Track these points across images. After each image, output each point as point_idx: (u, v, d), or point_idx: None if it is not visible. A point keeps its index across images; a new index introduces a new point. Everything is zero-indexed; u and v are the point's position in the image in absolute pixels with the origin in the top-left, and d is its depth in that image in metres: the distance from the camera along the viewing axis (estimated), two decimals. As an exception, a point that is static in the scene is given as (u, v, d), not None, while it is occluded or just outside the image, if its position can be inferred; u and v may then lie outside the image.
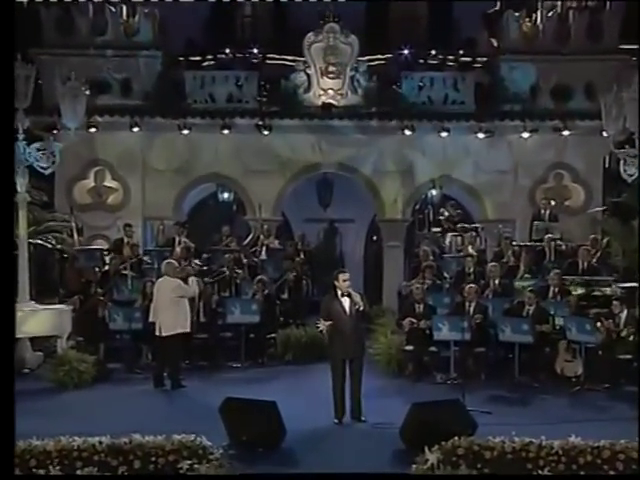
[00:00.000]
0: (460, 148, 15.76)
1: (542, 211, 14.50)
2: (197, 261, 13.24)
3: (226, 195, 17.13)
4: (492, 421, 7.89)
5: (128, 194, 15.81)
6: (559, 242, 13.31)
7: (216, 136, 15.50)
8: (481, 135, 15.45)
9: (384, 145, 15.88)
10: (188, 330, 10.28)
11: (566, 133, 15.35)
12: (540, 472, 6.06)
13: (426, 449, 6.27)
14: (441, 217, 14.93)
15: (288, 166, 15.95)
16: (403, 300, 12.78)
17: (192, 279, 10.55)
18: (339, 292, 8.36)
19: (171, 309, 10.07)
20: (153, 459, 6.08)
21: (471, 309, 10.86)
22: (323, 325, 8.26)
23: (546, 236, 13.42)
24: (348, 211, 17.55)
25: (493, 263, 12.53)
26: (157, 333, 10.13)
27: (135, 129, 15.33)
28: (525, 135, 15.46)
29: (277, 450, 7.25)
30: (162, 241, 14.57)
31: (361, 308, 8.23)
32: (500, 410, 8.84)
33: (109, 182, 15.87)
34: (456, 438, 6.32)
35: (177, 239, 14.02)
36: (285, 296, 13.27)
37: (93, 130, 15.02)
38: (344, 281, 8.35)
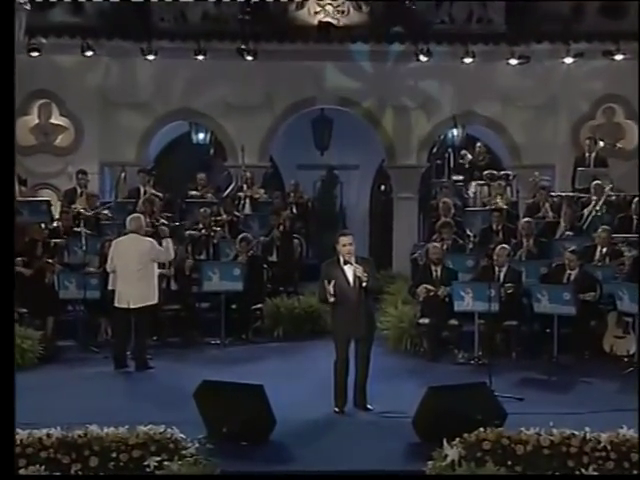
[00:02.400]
0: (487, 77, 15.69)
1: (587, 154, 14.46)
2: (165, 219, 13.20)
3: (201, 136, 17.07)
4: (525, 409, 7.89)
5: (81, 134, 15.72)
6: (609, 192, 13.27)
7: (189, 63, 15.39)
8: (513, 61, 15.36)
9: (394, 74, 15.78)
10: (156, 301, 10.27)
11: (619, 58, 15.22)
12: (584, 471, 6.06)
13: (445, 443, 6.27)
14: (464, 162, 14.90)
15: (277, 100, 15.89)
16: (417, 264, 12.78)
17: (167, 241, 10.50)
18: (341, 258, 8.30)
19: (139, 276, 10.05)
20: (114, 455, 6.06)
21: (501, 275, 10.86)
22: (330, 290, 8.15)
23: (593, 183, 13.36)
24: (351, 156, 17.54)
25: (527, 218, 12.53)
26: (118, 304, 10.11)
27: (88, 53, 15.17)
28: (568, 61, 15.35)
29: (265, 444, 7.25)
30: (124, 192, 14.55)
31: (364, 283, 8.16)
32: (535, 396, 8.85)
33: (57, 119, 15.77)
34: (481, 429, 6.31)
35: (142, 189, 14.01)
36: (274, 258, 13.30)
37: (35, 54, 14.88)
38: (344, 246, 8.27)
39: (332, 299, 8.18)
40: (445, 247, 11.94)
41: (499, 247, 11.11)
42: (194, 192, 14.46)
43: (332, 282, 8.15)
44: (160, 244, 10.37)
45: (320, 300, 8.68)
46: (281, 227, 13.42)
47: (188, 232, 13.20)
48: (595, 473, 6.07)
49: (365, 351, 8.36)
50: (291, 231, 13.74)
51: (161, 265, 10.94)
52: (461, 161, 14.96)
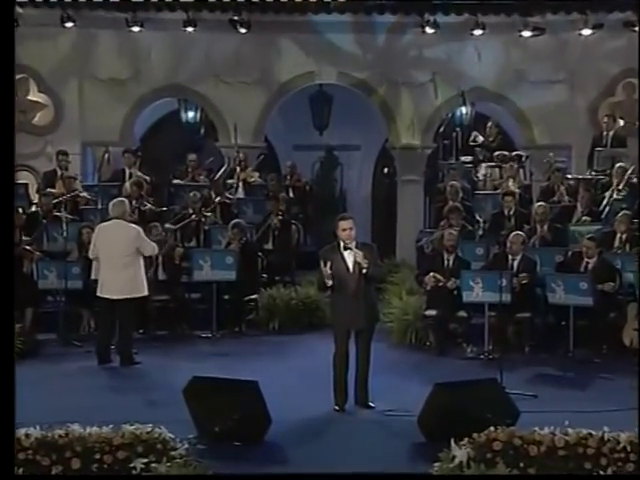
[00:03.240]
0: (499, 51, 15.65)
1: (606, 133, 14.44)
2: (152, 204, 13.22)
3: (191, 114, 17.04)
4: (539, 407, 7.91)
5: (61, 112, 15.69)
6: (630, 174, 13.25)
7: (177, 35, 15.34)
8: (527, 33, 15.29)
9: (398, 48, 15.74)
10: (146, 293, 10.28)
11: (641, 29, 15.17)
12: (602, 472, 6.06)
13: (452, 443, 6.27)
14: (473, 143, 14.91)
15: (272, 76, 15.87)
16: (423, 251, 12.78)
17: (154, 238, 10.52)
18: (341, 244, 8.30)
19: (124, 265, 10.05)
20: (97, 456, 6.04)
21: (515, 264, 10.87)
22: (326, 273, 8.14)
23: (615, 166, 13.30)
24: (352, 135, 17.51)
25: (541, 203, 12.53)
26: (102, 295, 10.11)
27: (69, 24, 15.10)
28: (586, 32, 15.29)
29: (259, 445, 7.26)
30: (107, 174, 14.54)
31: (364, 270, 8.16)
32: (549, 393, 8.87)
33: (35, 95, 15.73)
34: (492, 429, 6.30)
35: (127, 171, 14.00)
36: (269, 246, 13.29)
37: (12, 26, 14.82)
38: (344, 230, 8.27)
39: (330, 282, 8.16)
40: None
41: (513, 234, 11.10)
42: (178, 181, 14.43)
43: (329, 263, 8.14)
44: (148, 233, 10.35)
45: (318, 287, 8.70)
46: (278, 212, 13.41)
47: (178, 217, 13.20)
48: (612, 474, 6.08)
49: (365, 344, 8.37)
50: (288, 217, 13.74)
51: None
52: (471, 143, 14.94)
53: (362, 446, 7.30)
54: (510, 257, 10.91)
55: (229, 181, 14.63)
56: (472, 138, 14.99)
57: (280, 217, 13.39)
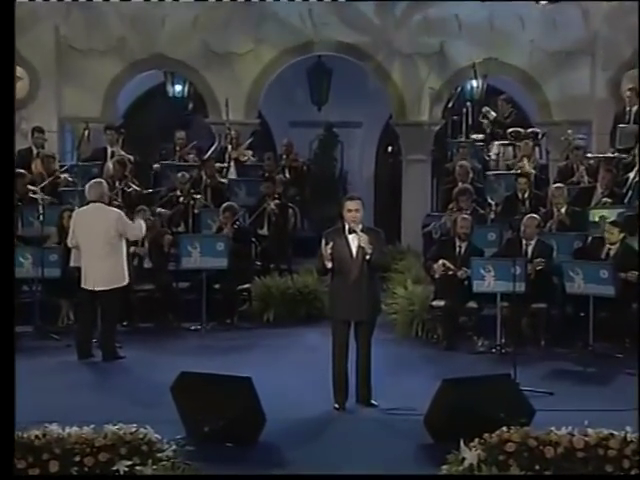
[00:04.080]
0: (512, 19, 15.63)
1: (629, 108, 14.40)
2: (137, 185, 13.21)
3: (178, 88, 17.00)
4: (556, 405, 7.93)
5: (36, 85, 15.68)
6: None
7: (163, 2, 15.36)
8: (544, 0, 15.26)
9: (404, 15, 15.67)
10: (126, 283, 10.28)
11: (667, -5, 15.15)
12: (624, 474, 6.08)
13: (462, 444, 6.28)
14: (485, 119, 14.87)
15: (266, 46, 15.84)
16: (431, 237, 12.78)
17: (139, 222, 10.52)
18: (346, 226, 8.29)
19: (105, 253, 10.04)
20: (77, 459, 6.04)
21: (529, 250, 10.86)
22: (326, 253, 8.12)
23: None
24: (353, 111, 17.50)
25: (558, 184, 12.50)
26: (85, 286, 10.12)
27: (46, -9, 15.09)
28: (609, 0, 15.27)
29: (253, 446, 7.26)
30: (87, 152, 14.54)
31: (367, 256, 8.15)
32: (567, 390, 8.89)
33: (9, 68, 15.66)
34: (505, 429, 6.31)
35: (109, 150, 13.97)
36: (264, 231, 13.29)
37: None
38: (349, 211, 8.26)
39: (330, 264, 8.13)
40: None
41: (527, 217, 11.09)
42: (172, 154, 14.43)
43: (330, 244, 8.11)
44: (131, 217, 10.33)
45: (318, 271, 8.69)
46: (274, 195, 13.38)
47: (165, 200, 13.19)
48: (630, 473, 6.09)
49: (366, 337, 8.37)
50: (284, 199, 13.72)
51: (133, 242, 10.95)
52: (483, 119, 14.92)
53: (364, 447, 7.29)
54: (524, 242, 10.91)
55: (219, 164, 14.57)
56: (484, 114, 14.96)
57: (276, 200, 13.37)
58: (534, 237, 10.94)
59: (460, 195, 12.43)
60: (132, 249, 11.22)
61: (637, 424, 6.42)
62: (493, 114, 14.92)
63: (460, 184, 12.88)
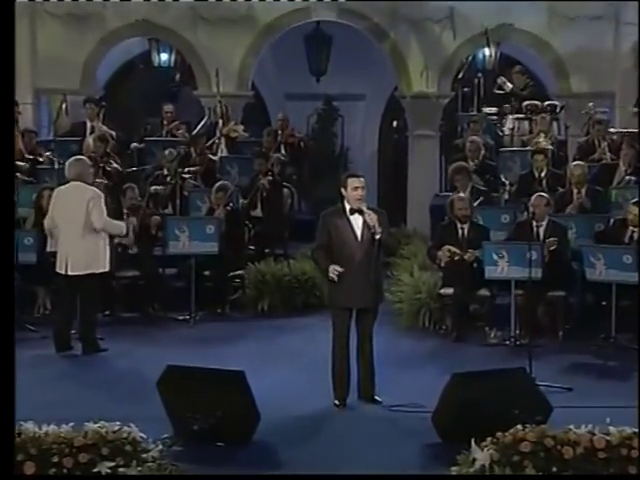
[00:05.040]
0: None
1: (655, 79, 14.42)
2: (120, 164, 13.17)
3: (164, 57, 16.98)
4: (575, 402, 7.95)
5: (11, 54, 15.59)
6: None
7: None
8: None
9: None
10: (107, 269, 10.29)
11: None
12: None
13: (473, 444, 6.28)
14: (499, 90, 14.86)
15: (260, 12, 15.81)
16: (438, 219, 12.78)
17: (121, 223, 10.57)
18: (347, 206, 8.29)
19: (85, 235, 10.04)
20: (55, 460, 6.06)
21: (540, 232, 10.87)
22: (332, 272, 8.14)
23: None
24: (354, 83, 17.49)
25: (578, 162, 12.46)
26: (60, 270, 10.12)
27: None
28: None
29: (246, 445, 7.27)
30: (65, 127, 14.53)
31: (377, 235, 8.16)
32: (587, 385, 8.91)
33: (-21, 34, 15.64)
34: (519, 427, 6.31)
35: (89, 124, 13.96)
36: (258, 213, 13.29)
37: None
38: (354, 189, 8.26)
39: (336, 278, 8.15)
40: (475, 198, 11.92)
41: (535, 196, 11.08)
42: (159, 129, 14.41)
43: (338, 269, 8.13)
44: (117, 196, 10.33)
45: (313, 259, 8.64)
46: (272, 176, 13.38)
47: (151, 179, 13.18)
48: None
49: (369, 327, 8.40)
50: (281, 179, 13.70)
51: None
52: (497, 91, 14.89)
53: (366, 447, 7.31)
54: (534, 224, 10.86)
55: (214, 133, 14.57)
56: (497, 85, 14.93)
57: (270, 178, 13.36)
58: (545, 218, 10.93)
59: (455, 174, 12.41)
60: (116, 239, 11.22)
61: (637, 424, 6.42)
62: (509, 85, 14.88)
63: (471, 160, 12.87)
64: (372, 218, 8.17)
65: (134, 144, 14.40)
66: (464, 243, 10.96)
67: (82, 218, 10.03)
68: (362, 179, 8.36)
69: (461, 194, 11.59)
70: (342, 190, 8.35)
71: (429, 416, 7.44)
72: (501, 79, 14.96)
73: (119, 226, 10.62)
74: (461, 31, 15.87)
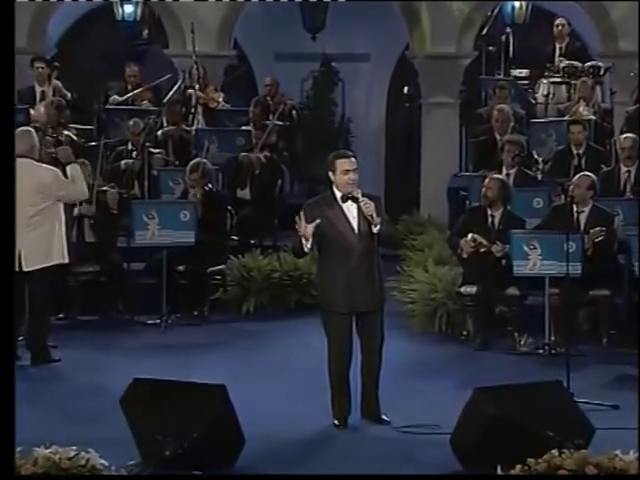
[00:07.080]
0: None
1: None
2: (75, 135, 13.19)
3: (129, 9, 16.98)
4: (621, 423, 7.95)
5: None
6: None
7: None
8: None
9: None
10: (66, 260, 10.31)
11: None
12: None
13: (499, 470, 6.35)
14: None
15: (245, -46, 15.83)
16: (458, 203, 12.79)
17: (73, 167, 10.48)
18: (338, 193, 8.28)
19: (35, 223, 10.06)
20: (-2, 492, 6.10)
21: (581, 219, 10.89)
22: (307, 230, 8.12)
23: None
24: (357, 40, 17.51)
25: (628, 134, 12.47)
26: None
27: None
28: None
29: (228, 473, 7.28)
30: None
31: (375, 229, 8.17)
32: (636, 403, 8.82)
33: None
34: (555, 452, 6.36)
35: (38, 89, 14.00)
36: (246, 194, 13.34)
37: None
38: (345, 172, 8.25)
39: (309, 245, 8.13)
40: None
41: (578, 176, 11.12)
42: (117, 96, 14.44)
43: (317, 220, 8.10)
44: (65, 174, 10.31)
45: (292, 251, 8.66)
46: (259, 151, 13.39)
47: (113, 155, 13.19)
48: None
49: (373, 334, 8.39)
50: (271, 155, 13.70)
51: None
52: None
53: (371, 474, 7.29)
54: (575, 210, 10.86)
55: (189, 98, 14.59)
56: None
57: (268, 154, 13.37)
58: (587, 202, 10.94)
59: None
60: (76, 210, 11.22)
61: (637, 423, 6.45)
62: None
63: (497, 135, 12.87)
64: (370, 207, 8.16)
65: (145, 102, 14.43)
66: (493, 233, 10.97)
67: (32, 201, 10.00)
68: (354, 159, 8.34)
69: (495, 175, 11.57)
70: (330, 174, 8.34)
71: (447, 438, 7.44)
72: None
73: (81, 181, 10.54)
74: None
